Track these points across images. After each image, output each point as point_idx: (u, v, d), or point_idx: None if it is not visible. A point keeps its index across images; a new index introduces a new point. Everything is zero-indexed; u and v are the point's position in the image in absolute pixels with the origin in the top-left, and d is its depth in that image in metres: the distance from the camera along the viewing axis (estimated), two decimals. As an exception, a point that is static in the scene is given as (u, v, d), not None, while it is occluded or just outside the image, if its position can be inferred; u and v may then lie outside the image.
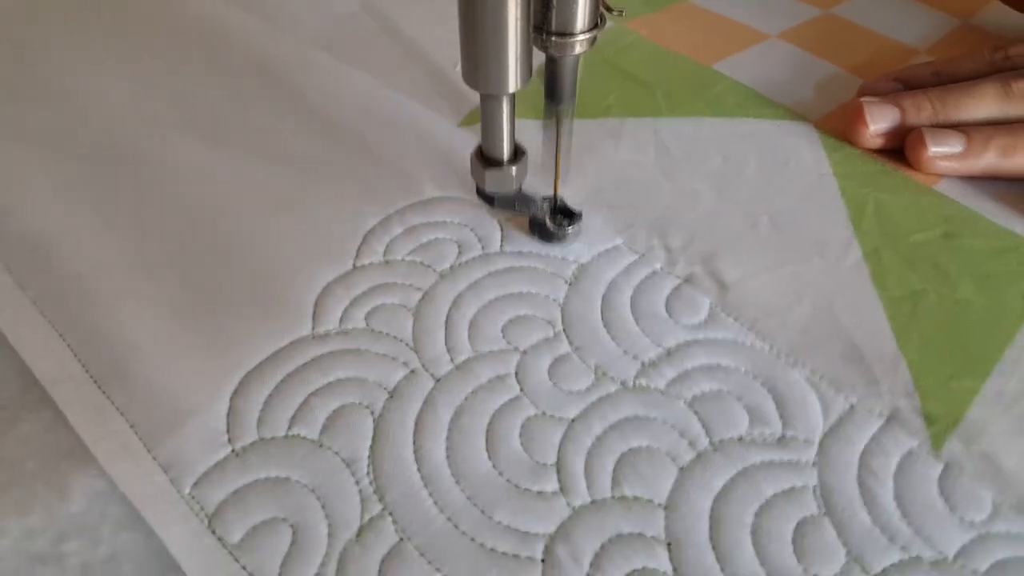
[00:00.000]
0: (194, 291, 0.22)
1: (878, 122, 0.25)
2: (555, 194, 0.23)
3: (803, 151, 0.26)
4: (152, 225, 0.24)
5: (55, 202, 0.24)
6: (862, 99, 0.26)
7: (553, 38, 0.19)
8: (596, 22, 0.19)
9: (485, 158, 0.21)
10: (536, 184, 0.23)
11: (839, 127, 0.27)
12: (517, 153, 0.21)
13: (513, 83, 0.18)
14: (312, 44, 0.32)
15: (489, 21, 0.17)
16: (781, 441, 0.19)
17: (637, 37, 0.32)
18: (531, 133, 0.25)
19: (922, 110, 0.25)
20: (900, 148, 0.26)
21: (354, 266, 0.23)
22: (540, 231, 0.23)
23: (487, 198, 0.22)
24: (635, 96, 0.29)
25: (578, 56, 0.19)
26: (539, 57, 0.19)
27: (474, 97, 0.27)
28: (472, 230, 0.24)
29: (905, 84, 0.27)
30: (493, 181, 0.21)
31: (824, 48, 0.32)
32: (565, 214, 0.23)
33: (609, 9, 0.20)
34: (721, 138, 0.27)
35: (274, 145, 0.27)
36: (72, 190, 0.25)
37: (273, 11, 0.34)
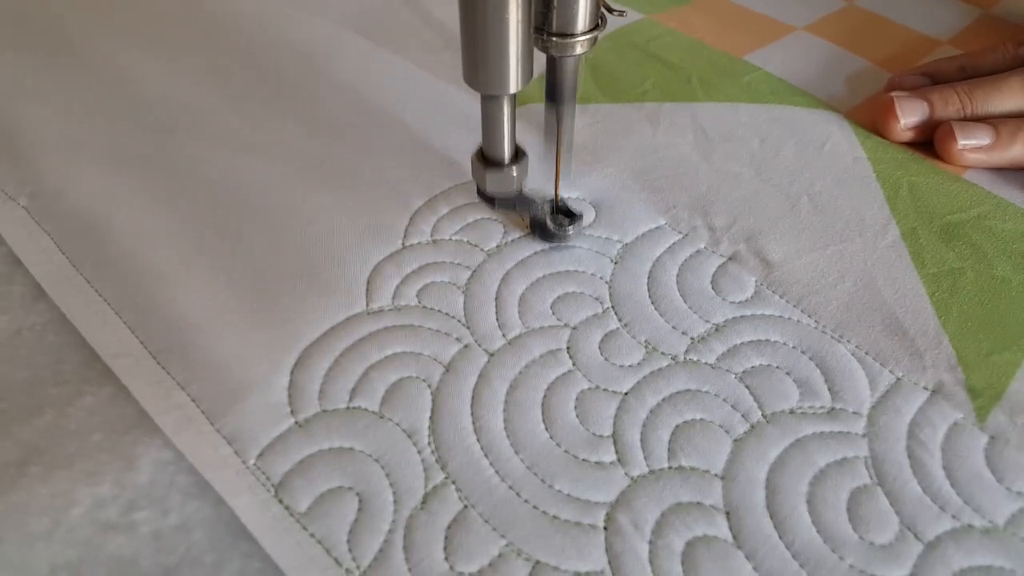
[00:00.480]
0: (247, 267, 0.22)
1: (908, 116, 0.25)
2: (556, 195, 0.23)
3: (837, 136, 0.27)
4: (201, 204, 0.24)
5: (104, 181, 0.25)
6: (892, 93, 0.26)
7: (554, 39, 0.19)
8: (597, 23, 0.19)
9: (486, 159, 0.21)
10: (538, 183, 0.23)
11: (869, 120, 0.27)
12: (518, 154, 0.21)
13: (514, 84, 0.18)
14: (346, 28, 0.33)
15: (490, 21, 0.17)
16: (831, 413, 0.19)
17: (667, 28, 0.33)
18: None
19: (950, 104, 0.25)
20: (929, 141, 0.26)
21: (403, 245, 0.23)
22: (541, 231, 0.23)
23: (488, 199, 0.22)
24: (670, 82, 0.29)
25: (579, 57, 0.20)
26: (540, 58, 0.19)
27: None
28: (517, 210, 0.24)
29: (932, 78, 0.28)
30: (494, 182, 0.21)
31: (850, 40, 0.32)
32: (566, 215, 0.24)
33: (610, 10, 0.20)
34: (757, 123, 0.27)
35: (317, 126, 0.28)
36: (121, 169, 0.25)
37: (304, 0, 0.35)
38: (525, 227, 0.23)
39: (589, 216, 0.24)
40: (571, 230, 0.23)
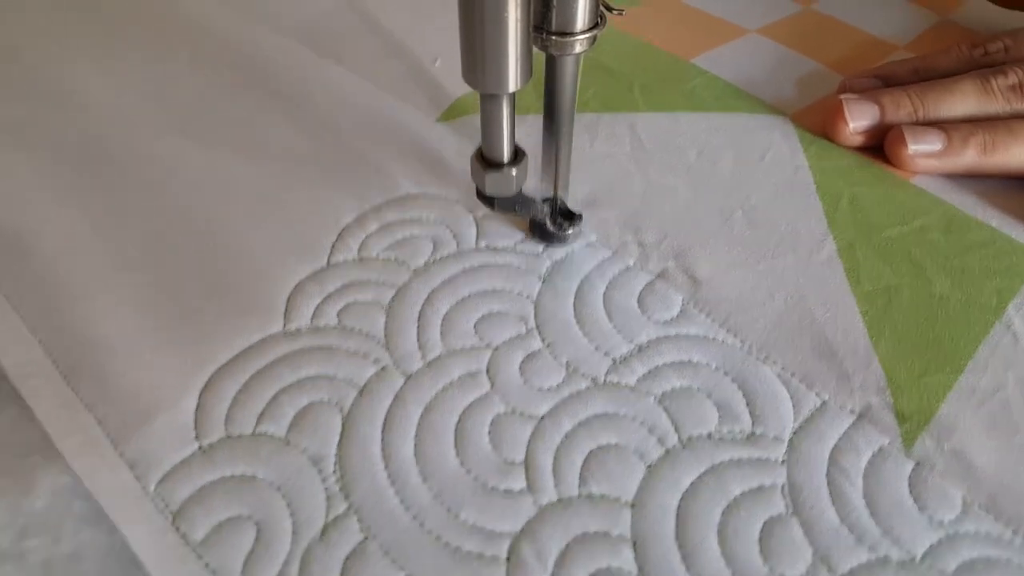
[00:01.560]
0: (167, 286, 0.22)
1: (858, 119, 0.25)
2: (555, 196, 0.23)
3: (779, 144, 0.26)
4: (127, 219, 0.24)
5: (30, 195, 0.24)
6: (842, 96, 0.26)
7: (553, 37, 0.19)
8: (596, 21, 0.19)
9: (485, 160, 0.21)
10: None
11: (818, 123, 0.27)
12: (517, 155, 0.21)
13: (513, 82, 0.18)
14: (293, 38, 0.32)
15: (489, 20, 0.17)
16: (751, 438, 0.19)
17: (614, 31, 0.32)
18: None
19: (901, 107, 0.25)
20: (880, 146, 0.26)
21: (328, 263, 0.22)
22: (540, 232, 0.24)
23: (487, 200, 0.22)
24: (612, 90, 0.29)
25: (578, 56, 0.19)
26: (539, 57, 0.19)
27: (453, 92, 0.28)
28: (448, 227, 0.24)
29: (884, 81, 0.27)
30: (493, 183, 0.21)
31: (803, 44, 0.32)
32: (565, 216, 0.24)
33: (609, 8, 0.20)
34: (697, 132, 0.27)
35: (252, 140, 0.27)
36: (48, 183, 0.25)
37: (255, 5, 0.34)
38: (455, 244, 0.23)
39: (521, 231, 0.23)
40: (571, 231, 0.23)
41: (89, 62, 0.31)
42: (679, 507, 0.17)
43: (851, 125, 0.25)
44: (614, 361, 0.20)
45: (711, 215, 0.24)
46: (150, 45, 0.31)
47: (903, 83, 0.27)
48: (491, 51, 0.17)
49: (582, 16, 0.18)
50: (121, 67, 0.30)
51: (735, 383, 0.20)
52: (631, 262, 0.22)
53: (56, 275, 0.22)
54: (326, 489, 0.18)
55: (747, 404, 0.19)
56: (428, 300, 0.22)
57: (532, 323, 0.21)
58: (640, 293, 0.21)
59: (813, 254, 0.22)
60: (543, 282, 0.22)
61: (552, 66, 0.20)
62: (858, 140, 0.25)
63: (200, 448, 0.18)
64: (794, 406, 0.19)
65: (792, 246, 0.23)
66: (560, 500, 0.17)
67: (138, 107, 0.28)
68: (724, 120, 0.27)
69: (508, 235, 0.23)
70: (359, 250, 0.23)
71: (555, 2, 0.18)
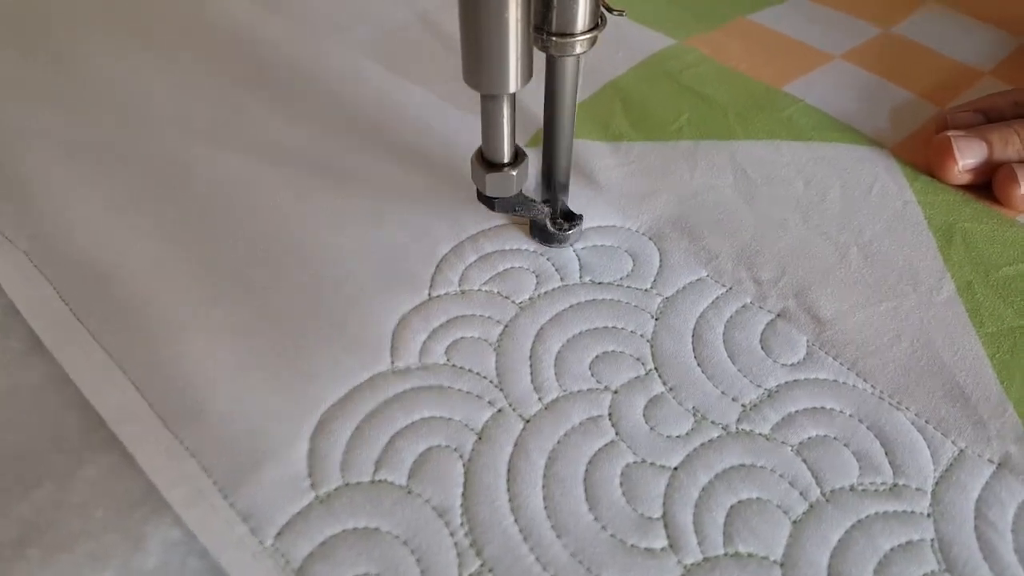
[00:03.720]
0: (262, 319, 0.21)
1: (967, 157, 0.24)
2: (555, 196, 0.23)
3: (884, 178, 0.26)
4: (214, 248, 0.23)
5: (111, 222, 0.23)
6: (948, 133, 0.25)
7: (554, 38, 0.19)
8: (596, 22, 0.19)
9: (485, 161, 0.21)
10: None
11: (919, 158, 0.26)
12: (518, 156, 0.21)
13: (514, 83, 0.18)
14: (362, 55, 0.31)
15: (489, 21, 0.17)
16: (894, 490, 0.18)
17: (700, 55, 0.32)
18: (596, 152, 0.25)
19: (1010, 144, 0.24)
20: (984, 183, 0.25)
21: (430, 295, 0.22)
22: (541, 234, 0.23)
23: (488, 201, 0.22)
24: (707, 117, 0.28)
25: (578, 56, 0.19)
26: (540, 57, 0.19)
27: (540, 115, 0.27)
28: (548, 259, 0.23)
29: (986, 115, 0.26)
30: (494, 184, 0.21)
31: (890, 70, 0.31)
32: (566, 217, 0.23)
33: (610, 10, 0.20)
34: (800, 162, 0.26)
35: (334, 163, 0.26)
36: (126, 211, 0.24)
37: (319, 21, 0.33)
38: (558, 278, 0.22)
39: (626, 266, 0.22)
40: (571, 232, 0.23)
41: (157, 84, 0.29)
42: (830, 566, 0.16)
43: (960, 163, 0.24)
44: (744, 408, 0.19)
45: (826, 250, 0.23)
46: (218, 66, 0.30)
47: (1005, 117, 0.26)
48: (491, 51, 0.17)
49: (582, 17, 0.18)
50: (190, 89, 0.29)
51: (871, 431, 0.19)
52: (748, 300, 0.21)
53: (145, 310, 0.21)
54: (456, 544, 0.17)
55: (886, 454, 0.18)
56: (538, 337, 0.21)
57: (650, 364, 0.20)
58: (762, 333, 0.21)
59: (933, 293, 0.22)
60: (656, 320, 0.21)
61: (552, 67, 0.20)
62: (966, 178, 0.25)
63: (317, 498, 0.17)
64: (932, 455, 0.18)
65: (912, 285, 0.22)
66: (706, 559, 0.16)
67: (211, 130, 0.27)
68: (826, 150, 0.27)
69: (612, 269, 0.22)
70: (459, 282, 0.22)
71: (556, 3, 0.18)
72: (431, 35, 0.32)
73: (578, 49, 0.19)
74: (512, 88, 0.18)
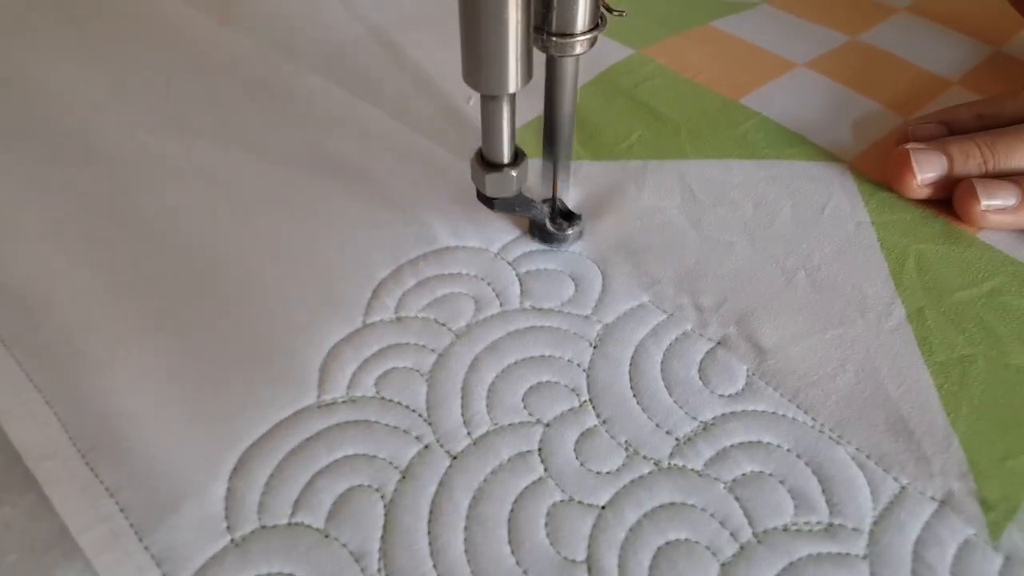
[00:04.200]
0: (192, 351, 0.20)
1: (926, 171, 0.23)
2: (554, 196, 0.23)
3: (839, 196, 0.25)
4: (145, 274, 0.22)
5: (42, 249, 0.23)
6: (908, 146, 0.24)
7: (554, 38, 0.19)
8: (597, 22, 0.19)
9: (485, 161, 0.21)
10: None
11: (878, 171, 0.25)
12: (517, 156, 0.21)
13: (513, 83, 0.18)
14: (316, 73, 0.30)
15: (489, 21, 0.17)
16: (829, 530, 0.17)
17: (657, 66, 0.31)
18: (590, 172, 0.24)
19: (971, 158, 0.23)
20: (943, 199, 0.24)
21: (364, 323, 0.21)
22: (541, 234, 0.23)
23: (487, 201, 0.22)
24: (658, 135, 0.27)
25: (578, 57, 0.19)
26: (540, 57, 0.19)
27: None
28: (489, 284, 0.22)
29: (948, 127, 0.25)
30: (494, 185, 0.21)
31: (855, 79, 0.30)
32: (565, 216, 0.23)
33: (610, 10, 0.19)
34: (752, 182, 0.25)
35: (273, 183, 0.25)
36: (60, 235, 0.23)
37: (270, 35, 0.32)
38: (498, 303, 0.21)
39: (568, 291, 0.22)
40: (571, 231, 0.23)
41: (103, 100, 0.29)
42: (757, 612, 0.16)
43: (919, 177, 0.23)
44: (678, 441, 0.18)
45: (772, 275, 0.22)
46: (163, 80, 0.30)
47: (968, 130, 0.25)
48: (491, 52, 0.17)
49: (582, 17, 0.18)
50: (137, 109, 0.29)
51: (809, 467, 0.18)
52: (688, 327, 0.21)
53: (72, 340, 0.21)
54: (370, 590, 0.16)
55: (823, 491, 0.18)
56: (472, 367, 0.20)
57: (585, 395, 0.19)
58: (701, 362, 0.20)
59: (882, 320, 0.21)
60: (594, 348, 0.20)
61: (552, 67, 0.20)
62: (925, 192, 0.24)
63: (232, 541, 0.17)
64: (872, 492, 0.18)
65: (860, 311, 0.21)
66: (628, 605, 0.16)
67: (152, 150, 0.26)
68: (779, 169, 0.26)
69: (553, 295, 0.22)
70: (396, 309, 0.22)
71: (555, 3, 0.18)
72: (383, 51, 0.32)
73: (578, 49, 0.19)
74: (512, 88, 0.18)
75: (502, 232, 0.24)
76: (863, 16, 0.35)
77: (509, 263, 0.23)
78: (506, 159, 0.20)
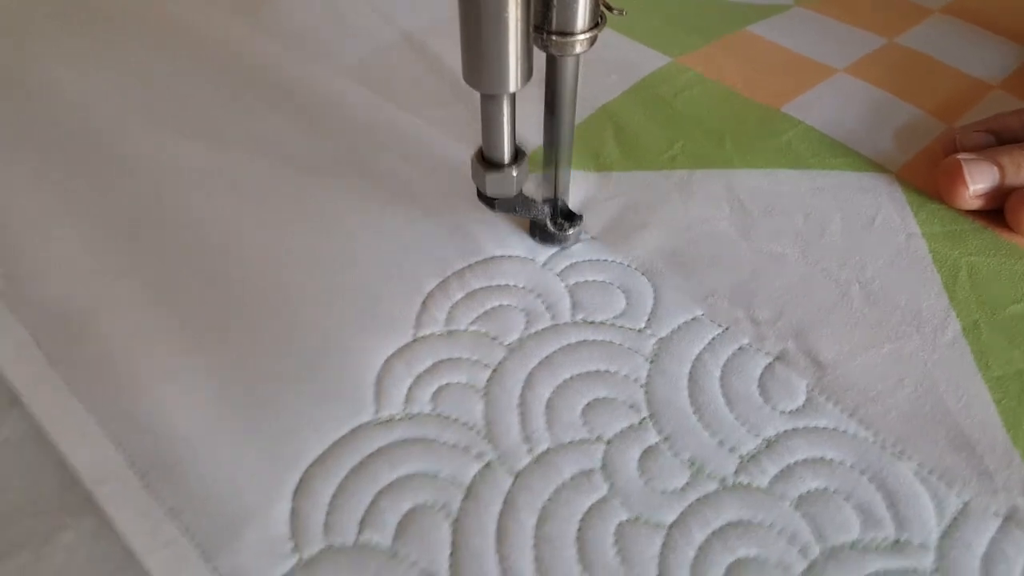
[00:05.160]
0: (243, 366, 0.20)
1: (978, 182, 0.23)
2: (555, 196, 0.23)
3: (887, 208, 0.25)
4: (188, 292, 0.22)
5: (85, 264, 0.23)
6: (959, 156, 0.24)
7: (554, 37, 0.19)
8: (596, 21, 0.19)
9: (486, 160, 0.21)
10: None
11: (927, 181, 0.25)
12: (518, 155, 0.21)
13: (513, 83, 0.18)
14: (344, 77, 0.30)
15: (489, 20, 0.17)
16: (896, 546, 0.17)
17: (695, 75, 0.30)
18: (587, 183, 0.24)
19: (1023, 168, 0.23)
20: (996, 209, 0.24)
21: (415, 337, 0.21)
22: (541, 234, 0.23)
23: (488, 201, 0.22)
24: (702, 144, 0.27)
25: (578, 56, 0.19)
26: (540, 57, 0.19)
27: (531, 140, 0.26)
28: (539, 296, 0.22)
29: (997, 136, 0.25)
30: (494, 184, 0.21)
31: (895, 84, 0.30)
32: (566, 216, 0.23)
33: (609, 8, 0.19)
34: (800, 193, 0.25)
35: (308, 192, 0.25)
36: (103, 250, 0.23)
37: (303, 40, 0.32)
38: (549, 316, 0.21)
39: (619, 304, 0.22)
40: (571, 231, 0.23)
41: (140, 114, 0.28)
42: (829, 630, 0.16)
43: (971, 188, 0.23)
44: (741, 459, 0.18)
45: (826, 288, 0.22)
46: (203, 96, 0.29)
47: (1018, 138, 0.25)
48: (491, 51, 0.17)
49: (582, 16, 0.18)
50: (166, 117, 0.28)
51: (873, 483, 0.18)
52: (745, 341, 0.21)
53: (120, 358, 0.20)
54: (443, 612, 0.16)
55: (888, 507, 0.18)
56: (528, 383, 0.20)
57: (644, 411, 0.19)
58: (760, 378, 0.20)
59: (938, 335, 0.21)
60: (651, 363, 0.20)
61: (553, 66, 0.20)
62: (976, 204, 0.24)
63: (300, 561, 0.17)
64: (936, 508, 0.18)
65: (916, 325, 0.21)
66: (702, 625, 0.16)
67: (193, 165, 0.26)
68: (826, 179, 0.26)
69: (605, 307, 0.22)
70: (446, 322, 0.21)
71: (555, 2, 0.18)
72: (416, 57, 0.31)
73: (578, 48, 0.19)
74: (512, 88, 0.18)
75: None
76: (899, 17, 0.35)
77: (557, 274, 0.23)
78: (506, 158, 0.20)
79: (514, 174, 0.20)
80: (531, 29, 0.18)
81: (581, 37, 0.19)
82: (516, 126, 0.20)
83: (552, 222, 0.23)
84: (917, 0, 0.37)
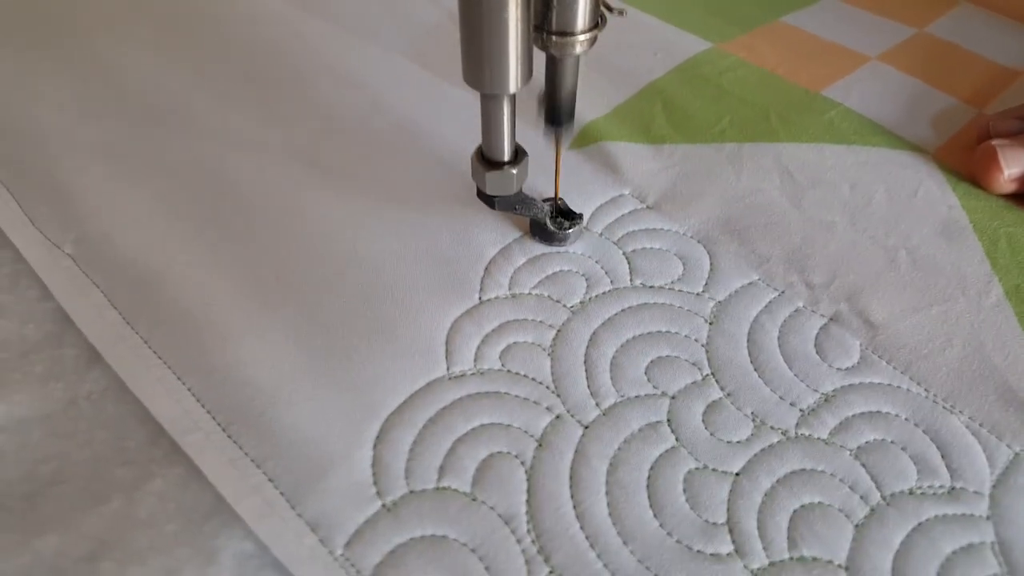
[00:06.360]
0: (315, 324, 0.21)
1: (1012, 167, 0.24)
2: (555, 195, 0.23)
3: (928, 183, 0.25)
4: (260, 253, 0.23)
5: (153, 227, 0.23)
6: (994, 142, 0.25)
7: (554, 38, 0.19)
8: (596, 22, 0.19)
9: (486, 160, 0.21)
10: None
11: (961, 163, 0.26)
12: (518, 154, 0.21)
13: (513, 83, 0.18)
14: (400, 56, 0.31)
15: (489, 20, 0.17)
16: (952, 493, 0.18)
17: (736, 59, 0.31)
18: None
19: None
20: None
21: (480, 300, 0.22)
22: (541, 233, 0.24)
23: (488, 200, 0.22)
24: (749, 119, 0.28)
25: (578, 56, 0.19)
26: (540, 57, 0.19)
27: (583, 116, 0.27)
28: (597, 261, 0.23)
29: (1028, 122, 0.27)
30: (494, 183, 0.21)
31: (927, 72, 0.31)
32: (566, 215, 0.24)
33: (609, 8, 0.20)
34: (844, 166, 0.26)
35: (378, 165, 0.26)
36: (169, 214, 0.24)
37: (354, 22, 0.33)
38: (608, 281, 0.22)
39: (677, 269, 0.22)
40: (571, 231, 0.23)
41: (200, 86, 0.29)
42: (893, 569, 0.17)
43: (1006, 173, 0.24)
44: (802, 412, 0.19)
45: (875, 254, 0.23)
46: (257, 73, 0.30)
47: (1050, 124, 0.26)
48: (491, 51, 0.17)
49: (582, 17, 0.18)
50: (230, 93, 0.29)
51: (927, 435, 0.19)
52: (800, 304, 0.21)
53: (194, 314, 0.21)
54: (523, 551, 0.17)
55: (943, 457, 0.19)
56: (592, 342, 0.21)
57: (707, 369, 0.20)
58: (816, 338, 0.21)
59: (982, 297, 0.22)
60: (710, 324, 0.21)
61: (552, 67, 0.20)
62: (1011, 188, 0.25)
63: (384, 506, 0.17)
64: (988, 458, 0.19)
65: (961, 289, 0.22)
66: (772, 564, 0.17)
67: (254, 135, 0.27)
68: (869, 155, 0.26)
69: (663, 273, 0.22)
70: (509, 286, 0.22)
71: (555, 3, 0.18)
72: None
73: (578, 49, 0.19)
74: (512, 88, 0.18)
75: (603, 213, 0.24)
76: (927, 7, 0.36)
77: (614, 242, 0.23)
78: (506, 157, 0.21)
79: (514, 173, 0.21)
80: (531, 29, 0.18)
81: (581, 37, 0.19)
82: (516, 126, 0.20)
83: (552, 221, 0.23)
84: (944, -10, 0.38)
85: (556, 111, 0.20)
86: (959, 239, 0.24)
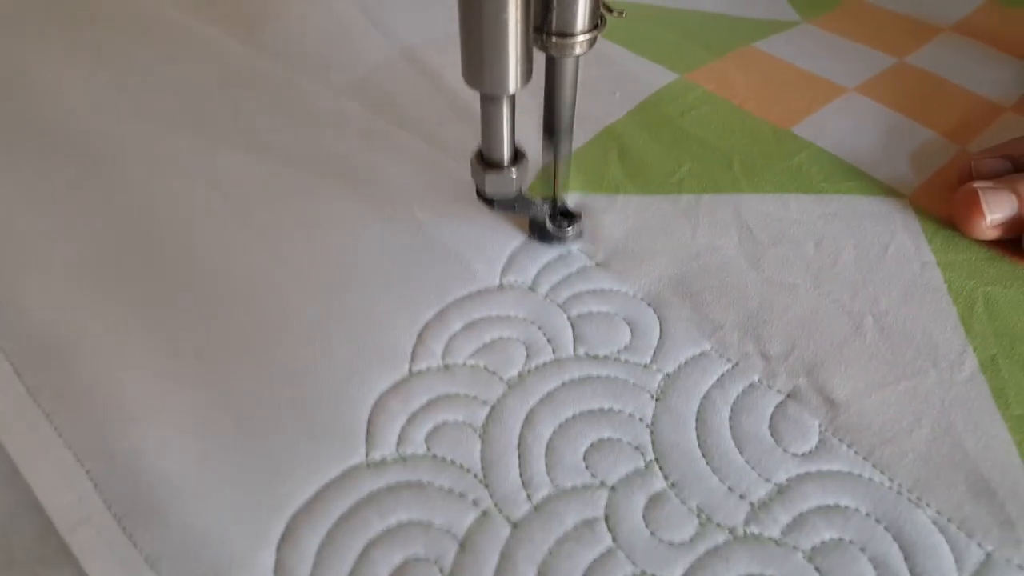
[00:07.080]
0: (231, 403, 0.19)
1: (995, 212, 0.22)
2: (555, 196, 0.22)
3: (901, 235, 0.24)
4: (179, 317, 0.21)
5: (69, 288, 0.22)
6: (975, 185, 0.23)
7: (553, 39, 0.19)
8: (596, 23, 0.19)
9: (485, 160, 0.21)
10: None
11: (940, 207, 0.24)
12: (517, 155, 0.21)
13: (513, 84, 0.18)
14: (346, 96, 0.29)
15: (489, 21, 0.17)
16: (914, 603, 0.17)
17: (703, 92, 0.30)
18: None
19: None
20: (1015, 239, 0.23)
21: (410, 371, 0.20)
22: (540, 233, 0.23)
23: (487, 200, 0.22)
24: (710, 167, 0.26)
25: (578, 57, 0.19)
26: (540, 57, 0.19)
27: (537, 160, 0.25)
28: (540, 327, 0.21)
29: (1013, 162, 0.24)
30: (493, 184, 0.21)
31: (907, 105, 0.29)
32: (565, 216, 0.23)
33: (609, 10, 0.19)
34: (811, 219, 0.24)
35: (308, 215, 0.24)
36: (88, 272, 0.22)
37: (300, 59, 0.31)
38: (550, 350, 0.20)
39: (624, 337, 0.21)
40: (571, 231, 0.23)
41: (130, 123, 0.27)
42: None
43: (988, 218, 0.22)
44: (752, 507, 0.17)
45: (839, 321, 0.21)
46: (194, 108, 0.28)
47: (1035, 165, 0.24)
48: (491, 52, 0.17)
49: (582, 17, 0.18)
50: (164, 134, 0.27)
51: (889, 532, 0.17)
52: (756, 378, 0.20)
53: (103, 391, 0.19)
54: (435, 676, 0.15)
55: (905, 559, 0.17)
56: (527, 422, 0.19)
57: (651, 454, 0.18)
58: (771, 417, 0.19)
59: (955, 370, 0.20)
60: (656, 401, 0.19)
61: (552, 67, 0.20)
62: (993, 234, 0.23)
63: (284, 622, 0.16)
64: (956, 560, 0.17)
65: (931, 360, 0.20)
66: None
67: (182, 187, 0.25)
68: (838, 204, 0.25)
69: (609, 340, 0.21)
70: (443, 355, 0.21)
71: (555, 3, 0.18)
72: (416, 74, 0.30)
73: (578, 50, 0.19)
74: (511, 89, 0.18)
75: (550, 271, 0.22)
76: (908, 36, 0.34)
77: (559, 305, 0.22)
78: (506, 159, 0.20)
79: (513, 174, 0.20)
80: (531, 30, 0.17)
81: (581, 38, 0.18)
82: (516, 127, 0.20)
83: (551, 221, 0.22)
84: (926, 18, 0.36)
85: (556, 112, 0.20)
86: (932, 302, 0.22)
